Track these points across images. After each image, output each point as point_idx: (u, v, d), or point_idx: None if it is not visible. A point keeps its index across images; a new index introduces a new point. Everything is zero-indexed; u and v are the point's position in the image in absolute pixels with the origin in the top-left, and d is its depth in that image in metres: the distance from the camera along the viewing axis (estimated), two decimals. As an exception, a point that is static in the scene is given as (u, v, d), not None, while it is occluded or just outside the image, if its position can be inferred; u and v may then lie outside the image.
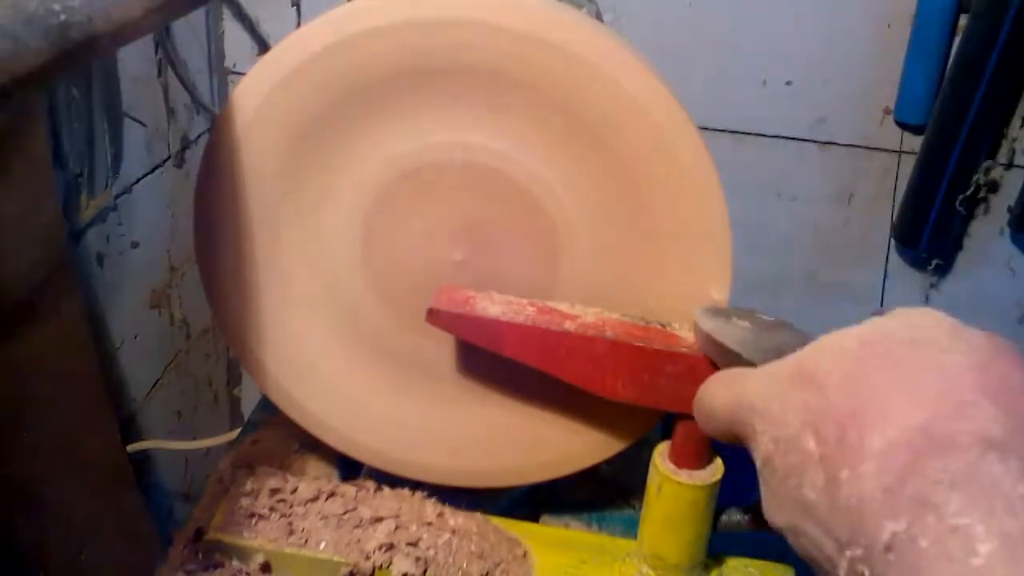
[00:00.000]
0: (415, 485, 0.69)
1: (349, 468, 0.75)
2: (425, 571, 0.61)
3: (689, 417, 0.48)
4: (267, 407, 0.79)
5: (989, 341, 0.33)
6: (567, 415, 0.65)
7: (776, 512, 0.34)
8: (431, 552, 0.62)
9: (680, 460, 0.56)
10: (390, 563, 0.61)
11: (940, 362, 0.32)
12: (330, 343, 0.68)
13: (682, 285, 0.61)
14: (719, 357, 0.51)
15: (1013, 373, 0.31)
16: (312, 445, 0.74)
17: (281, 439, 0.78)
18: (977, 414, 0.29)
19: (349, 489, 0.68)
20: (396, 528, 0.63)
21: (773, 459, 0.34)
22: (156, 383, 1.03)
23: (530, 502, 0.76)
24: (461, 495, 0.70)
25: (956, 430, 0.29)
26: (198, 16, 1.10)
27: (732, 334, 0.50)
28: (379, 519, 0.64)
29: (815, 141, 1.18)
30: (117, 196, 0.89)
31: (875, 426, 0.30)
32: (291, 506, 0.66)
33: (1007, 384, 0.31)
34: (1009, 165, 1.15)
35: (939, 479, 0.28)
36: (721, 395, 0.41)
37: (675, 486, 0.56)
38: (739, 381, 0.40)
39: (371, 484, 0.69)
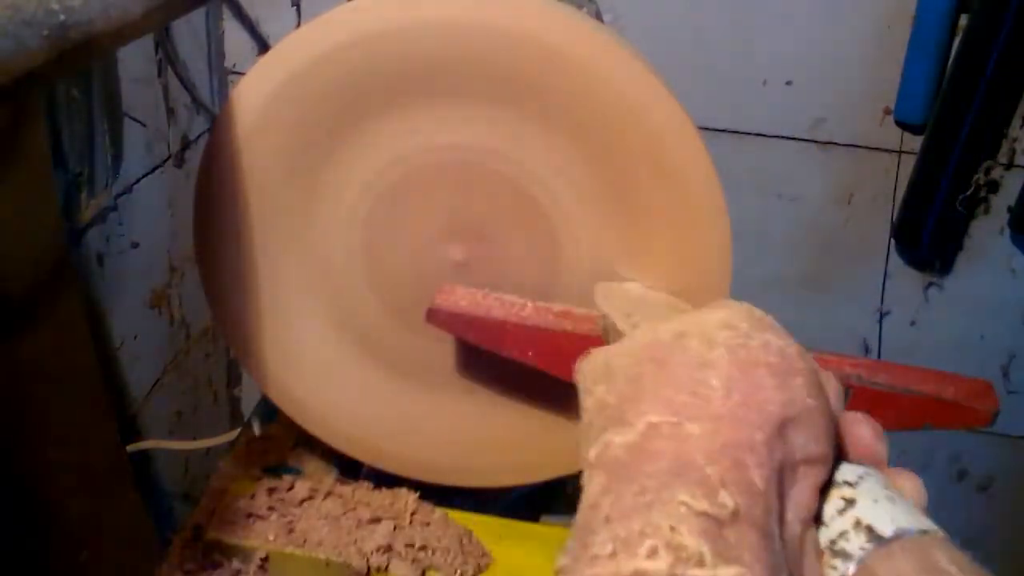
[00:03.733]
0: (414, 485, 0.69)
1: (348, 468, 0.75)
2: (423, 573, 0.61)
3: None
4: (267, 407, 0.80)
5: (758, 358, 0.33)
6: (566, 414, 0.65)
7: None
8: (429, 553, 0.62)
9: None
10: (388, 564, 0.61)
11: (702, 360, 0.33)
12: (330, 343, 0.68)
13: (682, 285, 0.61)
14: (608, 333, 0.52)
15: (763, 377, 0.32)
16: (311, 444, 0.74)
17: (280, 438, 0.78)
18: (693, 415, 0.31)
19: (347, 489, 0.68)
20: (394, 529, 0.64)
21: (593, 420, 0.36)
22: (156, 383, 1.03)
23: (530, 502, 0.76)
24: (461, 495, 0.70)
25: (665, 439, 0.30)
26: (198, 16, 1.10)
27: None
28: (377, 520, 0.64)
29: (815, 141, 1.18)
30: (117, 196, 0.89)
31: (630, 420, 0.32)
32: (289, 506, 0.66)
33: (753, 386, 0.32)
34: (1009, 165, 1.14)
35: (631, 501, 0.29)
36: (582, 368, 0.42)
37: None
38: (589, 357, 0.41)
39: (369, 484, 0.69)
